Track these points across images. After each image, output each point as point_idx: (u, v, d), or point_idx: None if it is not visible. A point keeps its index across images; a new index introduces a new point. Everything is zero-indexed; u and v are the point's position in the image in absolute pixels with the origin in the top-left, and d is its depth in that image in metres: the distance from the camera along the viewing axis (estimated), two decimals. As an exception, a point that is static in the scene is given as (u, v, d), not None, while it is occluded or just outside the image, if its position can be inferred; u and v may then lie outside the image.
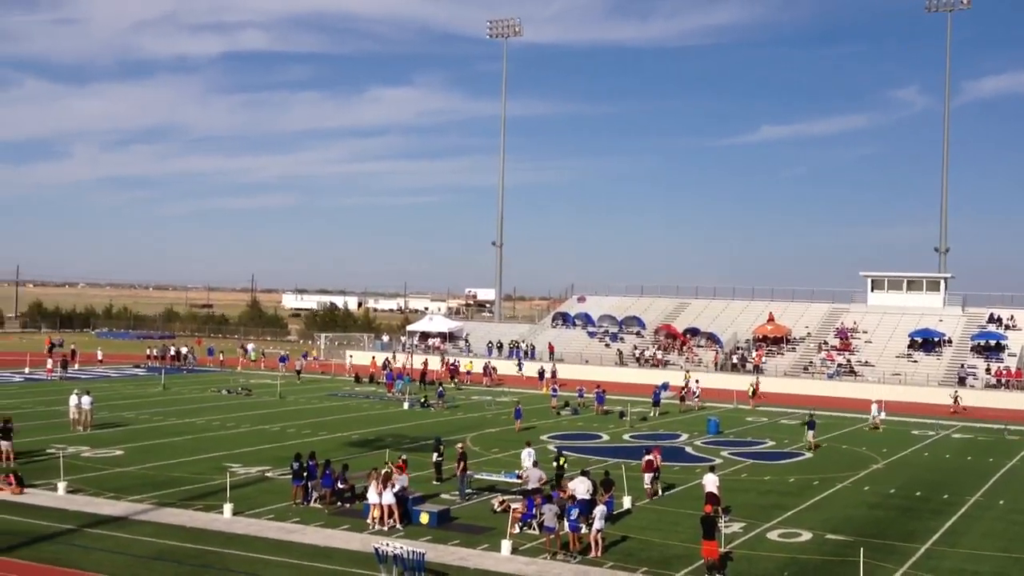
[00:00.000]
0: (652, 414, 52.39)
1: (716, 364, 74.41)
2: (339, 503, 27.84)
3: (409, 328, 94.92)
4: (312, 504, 27.74)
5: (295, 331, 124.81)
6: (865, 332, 77.33)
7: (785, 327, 79.21)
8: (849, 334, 76.93)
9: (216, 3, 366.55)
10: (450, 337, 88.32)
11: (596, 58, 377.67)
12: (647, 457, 31.35)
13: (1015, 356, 69.90)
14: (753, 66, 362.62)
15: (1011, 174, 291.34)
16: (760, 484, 33.63)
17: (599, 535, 23.51)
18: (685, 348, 78.79)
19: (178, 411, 48.70)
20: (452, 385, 65.49)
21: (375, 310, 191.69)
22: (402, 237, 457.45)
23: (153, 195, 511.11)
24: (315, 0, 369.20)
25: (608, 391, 55.73)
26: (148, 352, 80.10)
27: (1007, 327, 74.46)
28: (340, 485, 28.15)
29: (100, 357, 76.49)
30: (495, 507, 27.65)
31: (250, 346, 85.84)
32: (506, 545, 23.39)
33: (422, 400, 54.77)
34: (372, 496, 25.70)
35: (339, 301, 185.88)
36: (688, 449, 41.39)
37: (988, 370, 68.11)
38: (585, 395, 56.24)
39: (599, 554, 23.27)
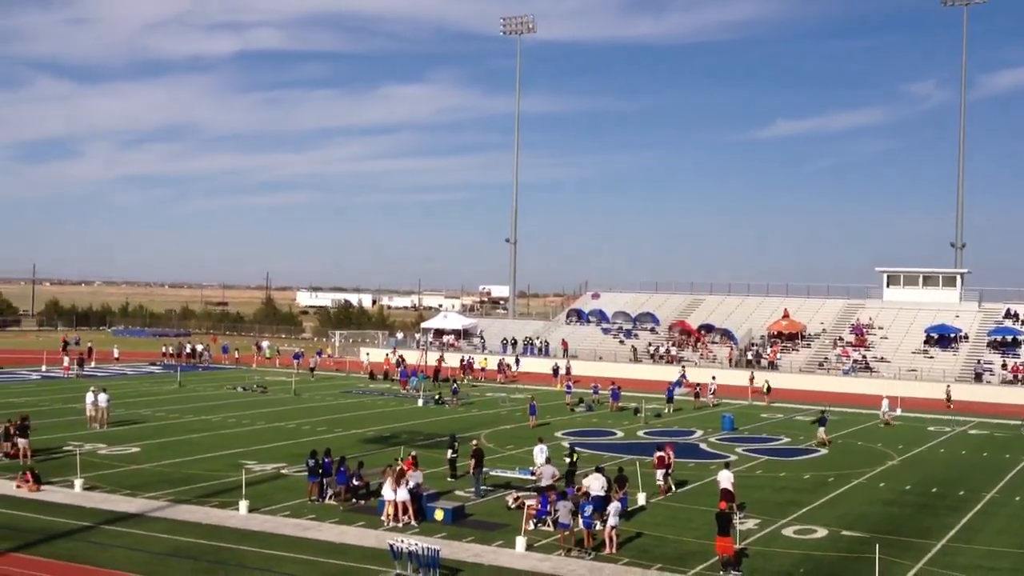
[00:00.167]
0: (666, 410, 52.32)
1: (731, 360, 74.22)
2: (354, 500, 27.91)
3: (423, 325, 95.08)
4: (327, 501, 27.81)
5: (310, 329, 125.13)
6: (881, 328, 77.00)
7: (800, 323, 78.95)
8: (864, 330, 76.62)
9: (230, 2, 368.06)
10: (464, 334, 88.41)
11: (610, 54, 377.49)
12: (658, 453, 31.34)
13: (1032, 352, 69.49)
14: (768, 61, 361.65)
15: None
16: (775, 480, 33.55)
17: (613, 531, 23.50)
18: (699, 344, 78.63)
19: (194, 408, 48.90)
20: (465, 382, 65.51)
21: (389, 307, 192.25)
22: (416, 234, 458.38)
23: (168, 194, 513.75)
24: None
25: (622, 387, 55.66)
26: (164, 350, 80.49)
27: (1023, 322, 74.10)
28: (355, 482, 28.22)
29: (116, 355, 76.89)
30: (509, 504, 27.67)
31: (265, 344, 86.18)
32: (520, 542, 23.40)
33: (436, 397, 54.84)
34: (387, 492, 25.75)
35: (353, 299, 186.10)
36: (703, 445, 41.32)
37: (1005, 366, 67.71)
38: (600, 392, 56.20)
39: (613, 550, 23.26)
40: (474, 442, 32.81)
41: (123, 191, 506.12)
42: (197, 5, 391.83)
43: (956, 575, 22.20)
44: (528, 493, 28.01)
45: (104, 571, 21.02)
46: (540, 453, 30.93)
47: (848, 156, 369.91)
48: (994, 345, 71.49)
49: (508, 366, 71.22)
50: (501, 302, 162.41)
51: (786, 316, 79.67)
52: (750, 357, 74.43)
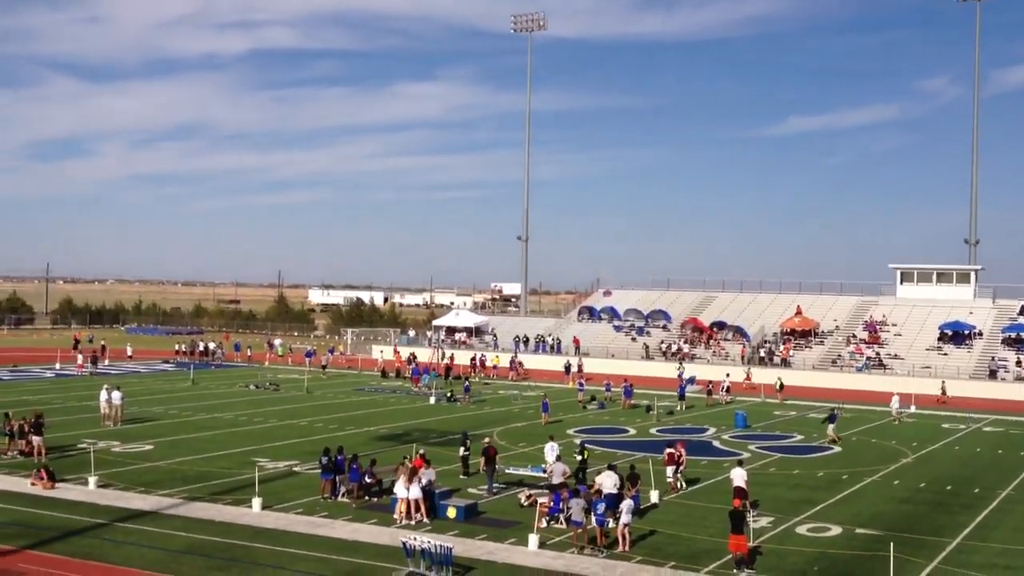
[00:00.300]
0: (679, 408, 52.21)
1: (743, 358, 74.02)
2: (367, 497, 27.93)
3: (435, 323, 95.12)
4: (340, 498, 27.84)
5: (322, 326, 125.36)
6: (894, 325, 76.68)
7: (813, 320, 78.69)
8: (878, 327, 76.32)
9: (242, 1, 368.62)
10: (476, 332, 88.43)
11: (621, 51, 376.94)
12: (668, 450, 31.33)
13: (1047, 349, 69.09)
14: (780, 57, 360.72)
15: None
16: (789, 478, 33.44)
17: (626, 529, 23.46)
18: (712, 342, 78.45)
19: (207, 406, 49.03)
20: (477, 380, 65.47)
21: (401, 305, 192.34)
22: (428, 232, 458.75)
23: (181, 192, 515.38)
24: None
25: (634, 385, 55.59)
26: (177, 348, 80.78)
27: (1039, 319, 73.63)
28: (367, 479, 28.24)
29: (130, 353, 77.16)
30: (522, 501, 27.65)
31: (277, 341, 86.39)
32: (533, 539, 23.38)
33: (448, 395, 54.86)
34: (400, 490, 25.75)
35: (365, 296, 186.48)
36: (716, 443, 41.22)
37: (1019, 363, 67.29)
38: (612, 389, 56.12)
39: (626, 548, 23.21)
40: (486, 440, 32.79)
41: (136, 190, 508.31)
42: (209, 4, 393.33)
43: (971, 573, 22.07)
44: (540, 491, 27.99)
45: (118, 568, 21.09)
46: (551, 451, 30.92)
47: (861, 152, 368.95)
48: (1008, 342, 71.09)
49: (520, 363, 71.21)
50: (513, 300, 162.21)
51: (799, 313, 79.42)
52: (763, 354, 74.24)
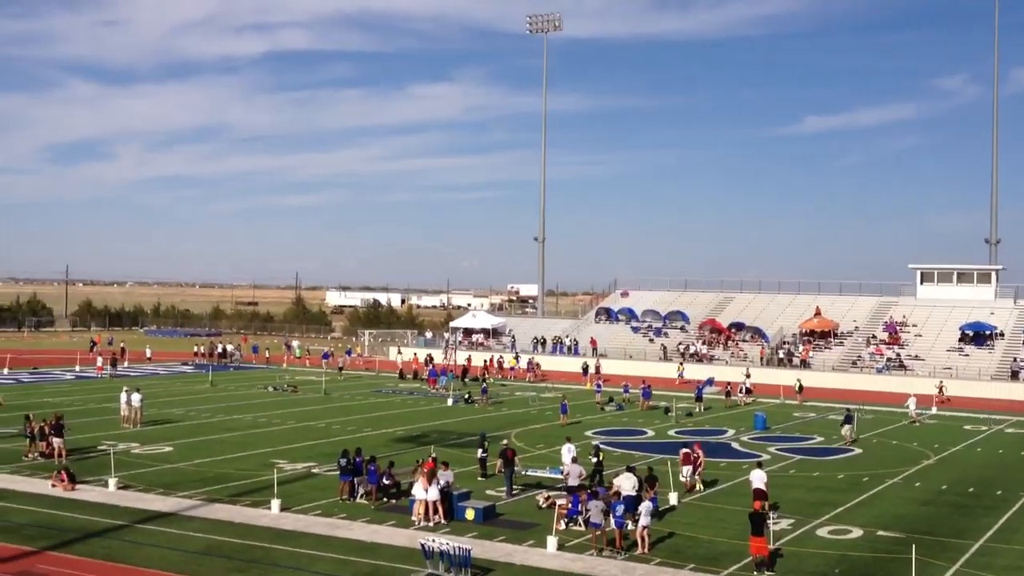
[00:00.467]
0: (697, 409, 52.02)
1: (762, 359, 73.71)
2: (385, 499, 27.93)
3: (452, 324, 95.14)
4: (358, 500, 27.85)
5: (339, 328, 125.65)
6: (915, 326, 76.17)
7: (832, 321, 78.26)
8: (898, 328, 75.82)
9: (258, 3, 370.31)
10: (493, 333, 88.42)
11: (637, 51, 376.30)
12: (684, 450, 31.31)
13: (1069, 349, 68.46)
14: (797, 56, 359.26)
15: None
16: (809, 480, 33.24)
17: (645, 531, 23.35)
18: (730, 343, 78.16)
19: (225, 408, 49.19)
20: (491, 381, 65.38)
21: (418, 307, 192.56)
22: (445, 233, 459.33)
23: (199, 194, 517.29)
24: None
25: (652, 386, 55.45)
26: (195, 349, 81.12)
27: (1061, 320, 73.00)
28: (386, 481, 28.24)
29: (149, 355, 77.55)
30: (540, 503, 27.59)
31: (295, 343, 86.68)
32: (552, 541, 23.30)
33: (466, 396, 54.84)
34: (419, 491, 25.74)
35: (382, 298, 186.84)
36: (735, 445, 41.03)
37: (1041, 364, 66.76)
38: (631, 391, 55.98)
39: (646, 550, 23.11)
40: (504, 441, 32.75)
41: (154, 192, 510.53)
42: (225, 7, 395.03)
43: (995, 576, 21.90)
44: (559, 492, 27.91)
45: (138, 570, 21.15)
46: (567, 452, 30.84)
47: (879, 152, 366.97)
48: (1030, 343, 70.51)
49: (537, 365, 71.13)
50: (530, 301, 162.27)
51: (818, 314, 79.01)
52: (781, 355, 73.90)
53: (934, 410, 53.57)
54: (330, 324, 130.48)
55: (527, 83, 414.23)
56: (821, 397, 59.31)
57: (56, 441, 33.55)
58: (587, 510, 24.07)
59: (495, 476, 31.16)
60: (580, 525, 24.89)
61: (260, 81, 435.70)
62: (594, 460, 31.07)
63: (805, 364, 71.67)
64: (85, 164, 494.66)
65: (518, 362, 72.91)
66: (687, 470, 30.45)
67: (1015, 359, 68.01)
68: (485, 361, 72.08)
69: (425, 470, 26.69)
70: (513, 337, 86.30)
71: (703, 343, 78.56)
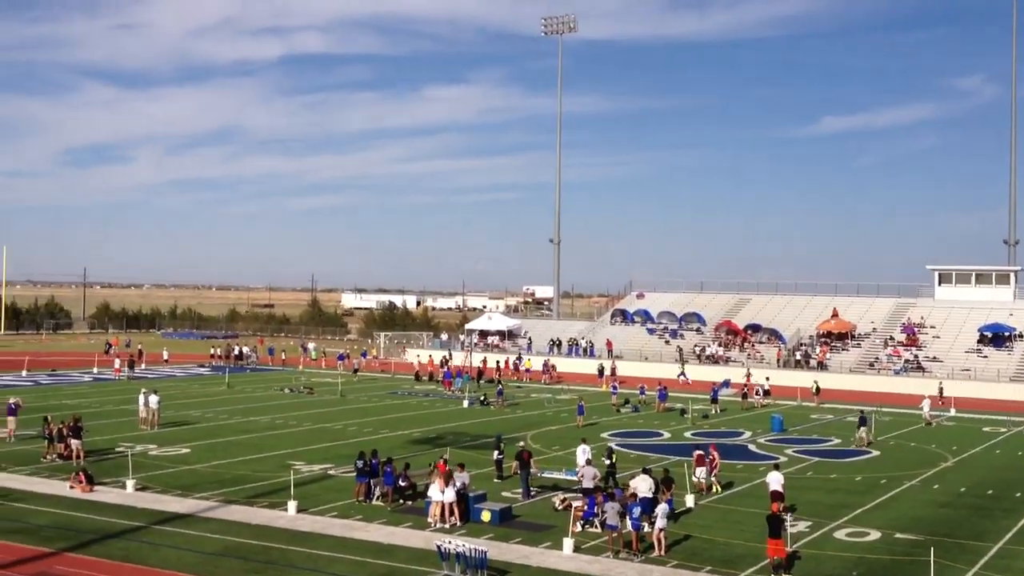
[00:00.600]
0: (713, 411, 51.86)
1: (779, 361, 73.42)
2: (401, 500, 27.95)
3: (468, 326, 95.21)
4: (374, 502, 27.88)
5: (355, 330, 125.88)
6: (933, 327, 75.72)
7: (849, 323, 77.89)
8: (916, 329, 75.39)
9: (275, 7, 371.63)
10: (509, 335, 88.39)
11: (653, 52, 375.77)
12: (697, 452, 31.30)
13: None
14: (814, 57, 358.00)
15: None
16: (826, 483, 33.08)
17: (662, 534, 23.29)
18: (746, 345, 77.89)
19: (242, 410, 49.35)
20: (498, 380, 65.28)
21: (433, 309, 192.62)
22: (460, 235, 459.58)
23: (216, 197, 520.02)
24: (371, 2, 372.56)
25: (669, 388, 55.30)
26: (212, 352, 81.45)
27: (1081, 321, 72.42)
28: (402, 483, 28.27)
29: (166, 357, 77.88)
30: (556, 505, 27.55)
31: (311, 345, 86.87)
32: (568, 543, 23.27)
33: (482, 398, 54.83)
34: (435, 493, 25.74)
35: (398, 300, 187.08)
36: (751, 447, 40.87)
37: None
38: (647, 392, 55.85)
39: (662, 553, 23.04)
40: (521, 443, 32.72)
41: (171, 195, 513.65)
42: (241, 10, 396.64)
43: (1015, 579, 21.73)
44: (575, 494, 27.86)
45: (156, 571, 21.23)
46: (582, 454, 30.80)
47: (897, 152, 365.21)
48: (1050, 344, 69.99)
49: (553, 367, 71.08)
50: (545, 303, 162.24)
51: (835, 315, 78.65)
52: (798, 357, 73.60)
53: (952, 412, 53.23)
54: (346, 326, 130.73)
55: (543, 85, 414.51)
56: (838, 399, 59.02)
57: (74, 443, 33.73)
58: (603, 512, 24.02)
59: (511, 478, 31.14)
60: (596, 527, 24.84)
61: (276, 84, 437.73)
62: (607, 462, 31.01)
63: (822, 366, 71.36)
64: (103, 167, 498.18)
65: (520, 363, 72.80)
66: (700, 471, 30.41)
67: (1034, 360, 67.51)
68: (497, 363, 72.01)
69: (439, 469, 26.69)
70: (529, 339, 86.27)
71: (719, 345, 78.32)
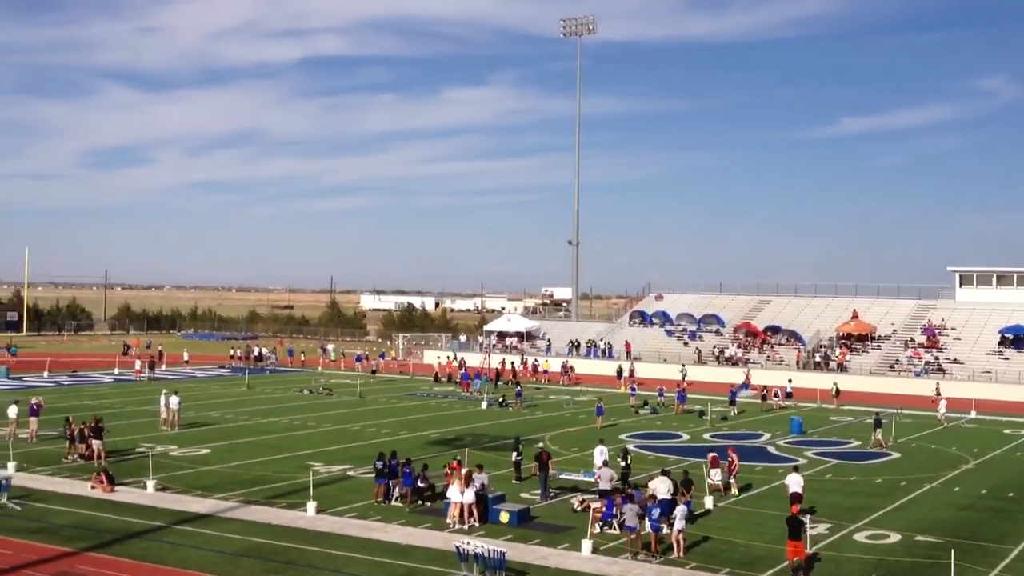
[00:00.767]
0: (731, 413, 51.71)
1: (798, 363, 73.11)
2: (420, 501, 28.02)
3: (486, 328, 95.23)
4: (393, 502, 27.96)
5: (373, 331, 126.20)
6: (953, 329, 75.24)
7: (869, 324, 77.48)
8: (937, 331, 74.93)
9: (294, 10, 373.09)
10: (527, 336, 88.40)
11: (671, 54, 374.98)
12: (712, 454, 31.35)
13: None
14: (833, 57, 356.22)
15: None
16: (846, 485, 32.93)
17: (681, 535, 23.26)
18: (766, 346, 77.60)
19: (262, 411, 49.57)
20: (511, 382, 65.20)
21: (452, 310, 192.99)
22: (479, 237, 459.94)
23: (236, 199, 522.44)
24: (390, 4, 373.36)
25: (687, 390, 55.18)
26: (232, 353, 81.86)
27: (1104, 323, 71.77)
28: (420, 484, 28.34)
29: (186, 358, 78.30)
30: (575, 506, 27.56)
31: (330, 346, 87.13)
32: (587, 545, 23.27)
33: (500, 400, 54.88)
34: (454, 494, 25.79)
35: (416, 301, 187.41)
36: (771, 449, 40.74)
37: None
38: (666, 394, 55.76)
39: (681, 554, 23.01)
40: (539, 445, 32.73)
41: (191, 197, 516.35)
42: (261, 13, 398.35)
43: (1037, 582, 21.57)
44: (593, 496, 27.85)
45: (176, 571, 21.37)
46: (599, 455, 30.79)
47: (917, 153, 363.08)
48: (1072, 346, 69.41)
49: (571, 368, 71.04)
50: (564, 304, 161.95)
51: (855, 317, 78.27)
52: (818, 359, 73.27)
53: (973, 414, 52.87)
54: (364, 327, 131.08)
55: (561, 86, 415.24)
56: (858, 401, 58.72)
57: (95, 443, 33.96)
58: (622, 513, 24.00)
59: (530, 479, 31.16)
60: (615, 529, 24.83)
61: (296, 86, 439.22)
62: (622, 463, 30.99)
63: (842, 368, 71.03)
64: (124, 169, 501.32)
65: (538, 364, 72.78)
66: (715, 473, 30.38)
67: (1057, 362, 66.97)
68: (513, 364, 71.95)
69: (455, 469, 26.74)
70: (548, 340, 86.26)
71: (738, 346, 78.08)
